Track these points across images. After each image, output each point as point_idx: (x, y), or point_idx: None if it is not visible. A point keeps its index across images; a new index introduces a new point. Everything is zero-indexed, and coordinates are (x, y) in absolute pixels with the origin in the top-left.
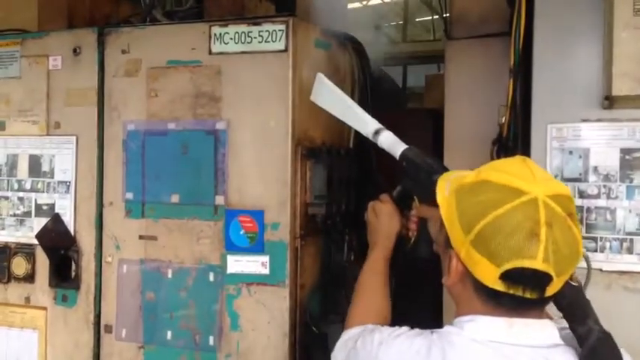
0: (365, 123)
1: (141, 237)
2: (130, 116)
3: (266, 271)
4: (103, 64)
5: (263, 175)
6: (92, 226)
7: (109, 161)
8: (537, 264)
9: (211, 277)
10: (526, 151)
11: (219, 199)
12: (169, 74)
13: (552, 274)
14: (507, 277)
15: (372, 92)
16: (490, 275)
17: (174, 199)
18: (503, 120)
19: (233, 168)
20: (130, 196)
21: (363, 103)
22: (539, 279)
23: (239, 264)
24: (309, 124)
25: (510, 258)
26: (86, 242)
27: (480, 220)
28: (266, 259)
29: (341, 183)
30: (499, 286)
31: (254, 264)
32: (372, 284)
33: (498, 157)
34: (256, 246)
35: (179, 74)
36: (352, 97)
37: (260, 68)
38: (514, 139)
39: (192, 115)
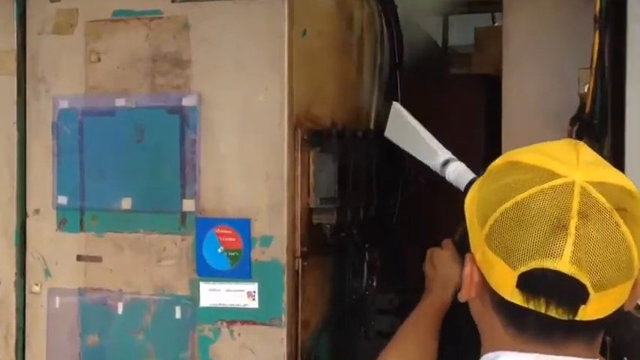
0: (435, 154)
1: (79, 258)
2: (62, 89)
3: (254, 304)
4: (24, 16)
5: (249, 169)
6: (11, 243)
7: (33, 152)
8: (562, 265)
9: (178, 313)
10: (619, 133)
11: (188, 205)
12: (117, 30)
13: (586, 283)
14: (525, 283)
15: (400, 55)
16: (507, 282)
17: (125, 204)
18: (586, 89)
19: (207, 160)
20: (63, 200)
21: (390, 70)
22: (568, 288)
23: (216, 295)
24: (312, 97)
25: (528, 257)
26: (3, 265)
27: (496, 208)
28: (254, 287)
29: (358, 179)
30: (517, 299)
31: (237, 294)
32: (414, 331)
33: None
34: (240, 269)
35: (130, 30)
36: (374, 64)
37: (244, 21)
38: (601, 115)
39: (150, 86)
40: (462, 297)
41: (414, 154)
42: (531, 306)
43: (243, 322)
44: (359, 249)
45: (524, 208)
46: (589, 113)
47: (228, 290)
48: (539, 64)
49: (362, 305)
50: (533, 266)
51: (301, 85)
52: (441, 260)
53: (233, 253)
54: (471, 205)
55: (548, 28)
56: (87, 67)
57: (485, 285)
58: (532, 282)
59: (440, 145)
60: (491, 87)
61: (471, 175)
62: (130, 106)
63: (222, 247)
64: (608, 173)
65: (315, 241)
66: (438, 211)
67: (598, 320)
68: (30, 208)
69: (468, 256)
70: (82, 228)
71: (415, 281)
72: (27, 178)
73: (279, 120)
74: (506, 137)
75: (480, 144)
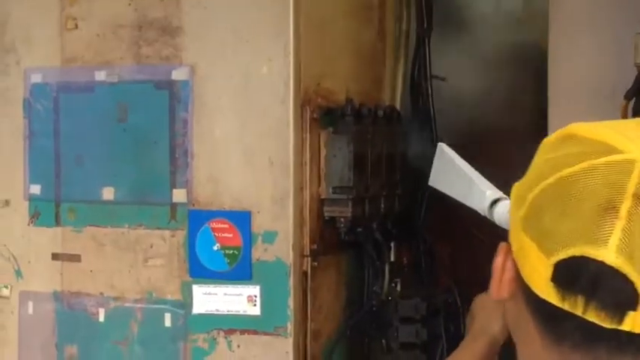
0: (482, 195)
1: (55, 256)
2: (35, 61)
3: (256, 310)
4: None
5: (249, 154)
6: None
7: (1, 134)
8: (607, 254)
9: (168, 321)
10: None
11: (179, 195)
12: None
13: (636, 281)
14: (561, 275)
15: (430, 19)
16: (540, 274)
17: (107, 194)
18: None
19: (201, 144)
20: (36, 190)
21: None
22: (612, 286)
23: (212, 299)
24: (324, 69)
25: (567, 242)
26: None
27: (537, 184)
28: (255, 290)
29: (378, 165)
30: (552, 296)
31: (236, 299)
32: None
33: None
34: (239, 270)
35: None
36: (398, 30)
37: None
38: None
39: (135, 57)
40: (492, 296)
41: (460, 199)
42: (567, 307)
43: (242, 332)
44: (379, 247)
45: (569, 185)
46: None
47: (225, 294)
48: (591, 30)
49: (383, 312)
50: (572, 253)
51: (311, 54)
52: (480, 305)
53: (231, 252)
54: (514, 189)
55: None
56: (62, 36)
57: (520, 281)
58: (569, 273)
59: (490, 185)
60: (541, 58)
61: None
62: (112, 81)
63: (218, 245)
64: None
65: (327, 237)
66: None
67: None
68: None
69: (501, 245)
70: (57, 222)
71: (446, 285)
72: None
73: (284, 96)
74: (554, 112)
75: (525, 122)
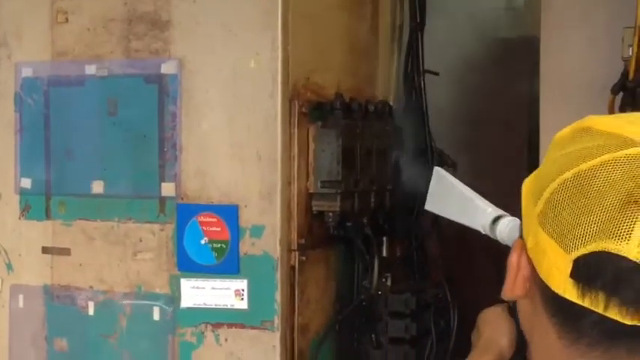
0: (484, 212)
1: (45, 250)
2: (26, 55)
3: (243, 304)
4: None
5: (237, 148)
6: None
7: None
8: (629, 249)
9: (156, 315)
10: None
11: (168, 189)
12: None
13: None
14: (581, 271)
15: (422, 13)
16: (559, 271)
17: (97, 188)
18: (630, 53)
19: (189, 137)
20: (26, 184)
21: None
22: (636, 282)
23: (200, 293)
24: (314, 63)
25: (588, 237)
26: None
27: (555, 179)
28: (243, 284)
29: (369, 160)
30: (570, 293)
31: (224, 293)
32: None
33: (623, 112)
34: (227, 264)
35: None
36: (392, 25)
37: None
38: None
39: (124, 51)
40: (505, 294)
41: (458, 220)
42: (587, 303)
43: (230, 326)
44: (369, 242)
45: (589, 179)
46: (633, 81)
47: (213, 288)
48: (583, 23)
49: (373, 307)
50: (593, 249)
51: (300, 49)
52: (486, 319)
53: (219, 245)
54: (527, 185)
55: None
56: (53, 29)
57: (535, 279)
58: (589, 269)
59: (489, 204)
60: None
61: None
62: (102, 74)
63: (206, 238)
64: None
65: (315, 231)
66: None
67: None
68: None
69: (515, 242)
70: (47, 215)
71: (436, 280)
72: None
73: (272, 90)
74: (545, 106)
75: (523, 117)
